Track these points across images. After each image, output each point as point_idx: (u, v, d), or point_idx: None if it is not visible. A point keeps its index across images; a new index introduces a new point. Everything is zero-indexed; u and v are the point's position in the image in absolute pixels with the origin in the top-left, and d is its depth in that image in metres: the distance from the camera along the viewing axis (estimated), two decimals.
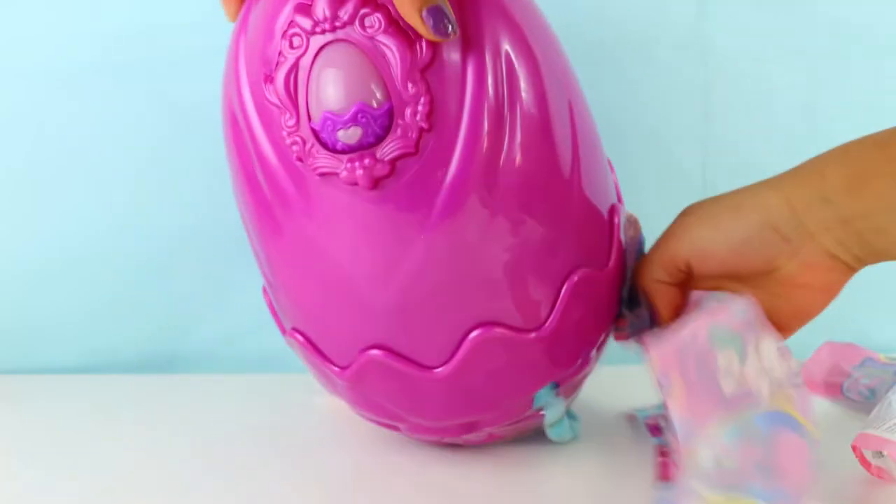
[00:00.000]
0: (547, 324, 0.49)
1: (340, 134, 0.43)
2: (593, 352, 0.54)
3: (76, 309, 0.74)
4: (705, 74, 0.73)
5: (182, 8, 0.70)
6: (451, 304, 0.47)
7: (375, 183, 0.44)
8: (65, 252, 0.73)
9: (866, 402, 0.63)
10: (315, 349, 0.51)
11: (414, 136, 0.44)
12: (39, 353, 0.74)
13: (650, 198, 0.73)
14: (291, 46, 0.44)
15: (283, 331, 0.53)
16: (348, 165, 0.44)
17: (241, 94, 0.46)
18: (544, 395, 0.53)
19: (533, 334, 0.49)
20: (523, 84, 0.46)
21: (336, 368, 0.51)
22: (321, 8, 0.43)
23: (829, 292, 0.51)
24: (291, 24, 0.43)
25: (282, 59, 0.44)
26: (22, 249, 0.73)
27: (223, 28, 0.53)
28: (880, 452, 0.53)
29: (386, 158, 0.44)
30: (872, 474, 0.54)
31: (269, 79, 0.44)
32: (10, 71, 0.71)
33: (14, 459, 0.59)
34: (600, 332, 0.54)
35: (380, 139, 0.43)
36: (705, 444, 0.46)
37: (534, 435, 0.57)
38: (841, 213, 0.48)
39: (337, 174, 0.44)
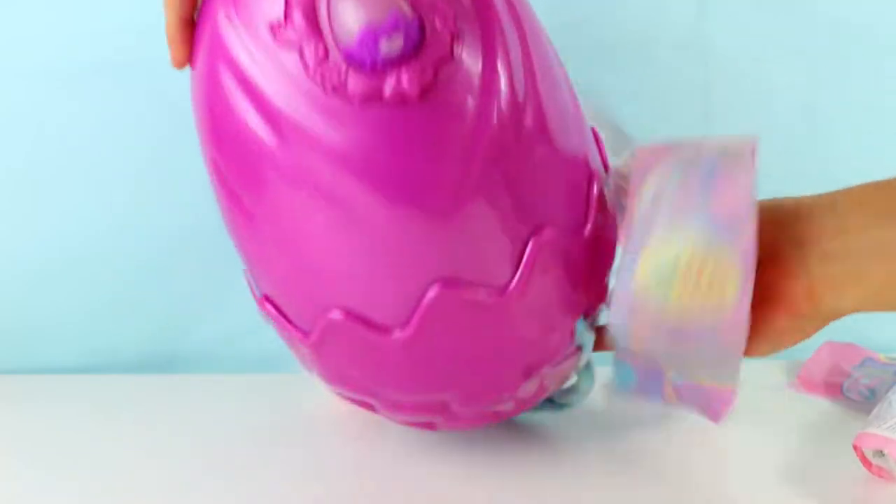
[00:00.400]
0: (513, 285, 0.47)
1: (383, 44, 0.43)
2: (576, 332, 0.52)
3: (76, 309, 0.74)
4: (705, 74, 0.73)
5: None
6: (410, 254, 0.46)
7: (424, 92, 0.43)
8: (65, 252, 0.73)
9: (866, 402, 0.63)
10: (283, 316, 0.50)
11: (448, 41, 0.44)
12: (39, 353, 0.74)
13: None
14: None
15: (257, 300, 0.53)
16: (392, 79, 0.43)
17: (236, 59, 0.45)
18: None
19: (497, 297, 0.47)
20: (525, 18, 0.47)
21: (300, 335, 0.50)
22: None
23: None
24: None
25: None
26: (22, 249, 0.73)
27: None
28: (881, 452, 0.53)
29: (429, 65, 0.43)
30: (873, 474, 0.54)
31: (282, 23, 0.44)
32: (10, 71, 0.71)
33: (14, 459, 0.59)
34: (580, 310, 0.52)
35: (416, 50, 0.43)
36: (650, 184, 0.47)
37: (537, 436, 0.57)
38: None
39: (381, 93, 0.43)
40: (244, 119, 0.45)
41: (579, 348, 0.53)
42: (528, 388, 0.52)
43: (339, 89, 0.43)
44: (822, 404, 0.65)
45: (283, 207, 0.46)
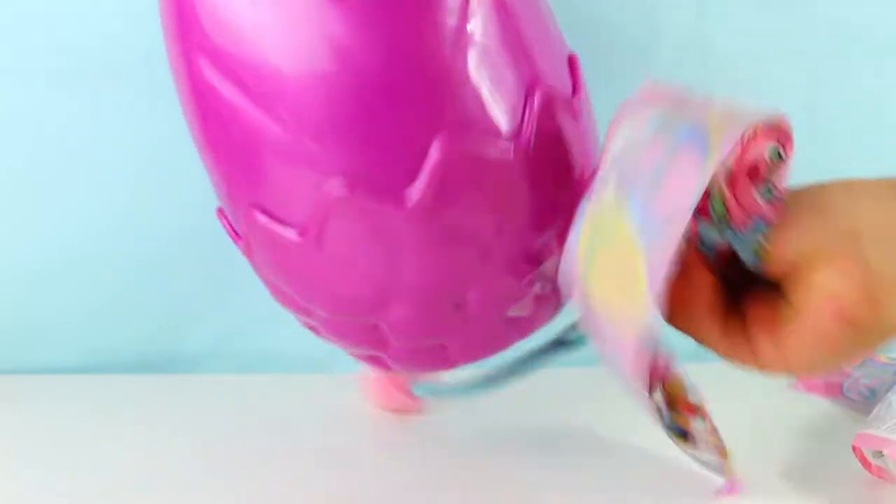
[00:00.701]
0: (522, 130, 0.45)
1: None
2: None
3: (76, 309, 0.74)
4: (705, 74, 0.73)
5: None
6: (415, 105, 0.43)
7: None
8: (65, 252, 0.73)
9: (866, 402, 0.63)
10: (275, 219, 0.46)
11: None
12: (39, 353, 0.74)
13: None
14: None
15: (245, 220, 0.49)
16: None
17: None
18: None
19: (508, 143, 0.45)
20: None
21: (295, 232, 0.46)
22: None
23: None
24: None
25: None
26: (22, 249, 0.73)
27: None
28: (880, 452, 0.53)
29: None
30: (873, 474, 0.54)
31: None
32: (10, 71, 0.71)
33: (14, 459, 0.59)
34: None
35: None
36: (625, 130, 0.43)
37: (538, 445, 0.57)
38: None
39: None
40: None
41: None
42: (547, 270, 0.48)
43: None
44: (822, 404, 0.65)
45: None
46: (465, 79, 0.44)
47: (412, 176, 0.43)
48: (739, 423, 0.63)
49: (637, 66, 0.72)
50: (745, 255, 0.43)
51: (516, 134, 0.45)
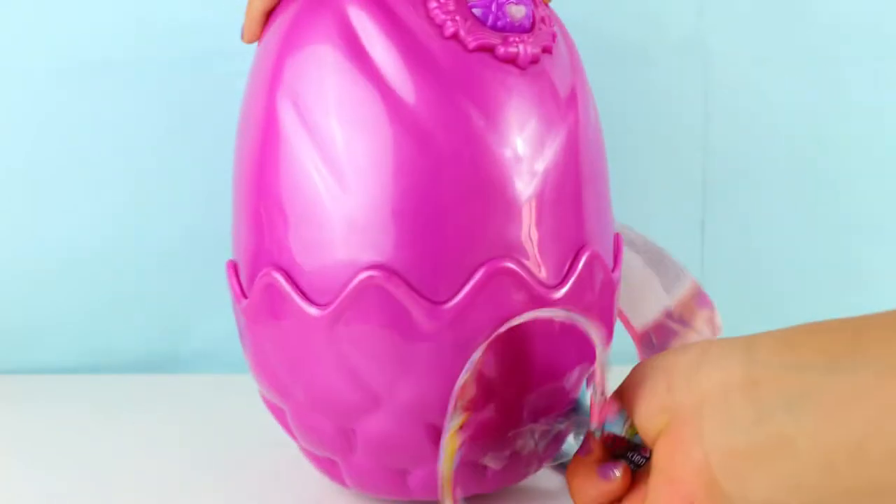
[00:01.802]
0: (567, 285, 0.45)
1: (511, 8, 0.46)
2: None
3: (76, 309, 0.74)
4: (705, 75, 0.73)
5: (184, 8, 0.70)
6: (472, 225, 0.44)
7: (531, 63, 0.45)
8: (65, 252, 0.73)
9: None
10: (296, 287, 0.45)
11: (551, 38, 0.47)
12: (39, 353, 0.74)
13: (650, 198, 0.74)
14: None
15: (261, 281, 0.46)
16: (511, 39, 0.45)
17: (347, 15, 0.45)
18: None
19: (552, 292, 0.45)
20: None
21: (314, 307, 0.44)
22: None
23: None
24: None
25: None
26: (22, 249, 0.73)
27: (225, 29, 0.54)
28: None
29: (539, 44, 0.46)
30: None
31: None
32: (11, 71, 0.71)
33: (14, 459, 0.59)
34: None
35: (530, 29, 0.46)
36: None
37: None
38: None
39: (493, 48, 0.45)
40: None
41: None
42: (535, 430, 0.48)
43: (457, 36, 0.45)
44: None
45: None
46: (529, 214, 0.45)
47: (454, 290, 0.43)
48: None
49: (637, 66, 0.73)
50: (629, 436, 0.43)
51: (559, 284, 0.45)
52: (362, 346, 0.44)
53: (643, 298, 0.54)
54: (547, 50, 0.46)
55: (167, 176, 0.72)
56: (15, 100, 0.72)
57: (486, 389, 0.45)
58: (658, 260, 0.54)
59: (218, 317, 0.75)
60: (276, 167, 0.46)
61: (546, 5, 0.49)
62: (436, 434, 0.45)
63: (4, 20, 0.71)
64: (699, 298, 0.55)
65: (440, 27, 0.45)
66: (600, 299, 0.48)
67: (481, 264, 0.43)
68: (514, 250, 0.44)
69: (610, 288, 0.48)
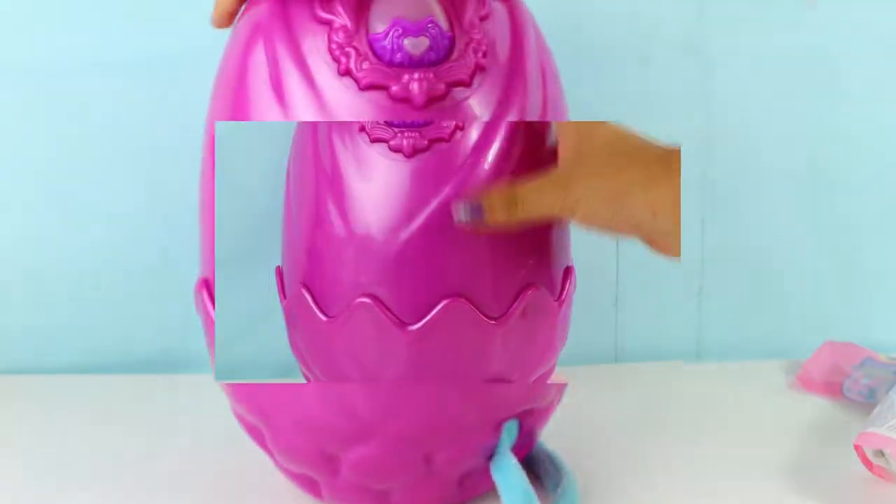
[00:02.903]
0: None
1: (407, 42, 0.44)
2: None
3: (76, 309, 0.74)
4: (705, 75, 0.73)
5: (183, 8, 0.70)
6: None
7: (428, 102, 0.43)
8: (65, 252, 0.73)
9: (866, 401, 0.63)
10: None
11: (471, 68, 0.44)
12: (39, 353, 0.74)
13: None
14: None
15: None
16: (405, 77, 0.43)
17: (274, 47, 0.46)
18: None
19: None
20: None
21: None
22: None
23: None
24: None
25: None
26: (22, 249, 0.73)
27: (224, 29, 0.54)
28: (881, 451, 0.53)
29: (443, 80, 0.44)
30: (874, 474, 0.54)
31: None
32: (11, 70, 0.71)
33: (14, 459, 0.59)
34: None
35: (439, 61, 0.44)
36: None
37: None
38: None
39: (387, 88, 0.44)
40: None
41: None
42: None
43: (350, 72, 0.44)
44: (822, 404, 0.65)
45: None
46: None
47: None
48: (739, 423, 0.63)
49: (637, 66, 0.73)
50: None
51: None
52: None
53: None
54: (462, 83, 0.44)
55: (168, 176, 0.72)
56: (16, 99, 0.71)
57: None
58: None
59: None
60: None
61: (484, 4, 0.47)
62: (425, 456, 0.48)
63: (5, 21, 0.71)
64: None
65: (336, 63, 0.44)
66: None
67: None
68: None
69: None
